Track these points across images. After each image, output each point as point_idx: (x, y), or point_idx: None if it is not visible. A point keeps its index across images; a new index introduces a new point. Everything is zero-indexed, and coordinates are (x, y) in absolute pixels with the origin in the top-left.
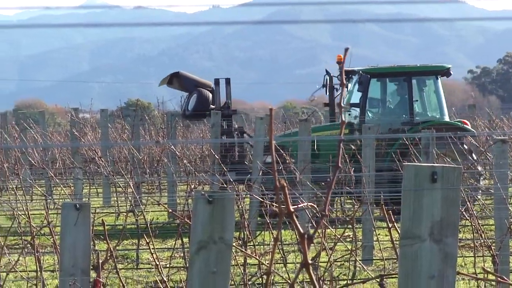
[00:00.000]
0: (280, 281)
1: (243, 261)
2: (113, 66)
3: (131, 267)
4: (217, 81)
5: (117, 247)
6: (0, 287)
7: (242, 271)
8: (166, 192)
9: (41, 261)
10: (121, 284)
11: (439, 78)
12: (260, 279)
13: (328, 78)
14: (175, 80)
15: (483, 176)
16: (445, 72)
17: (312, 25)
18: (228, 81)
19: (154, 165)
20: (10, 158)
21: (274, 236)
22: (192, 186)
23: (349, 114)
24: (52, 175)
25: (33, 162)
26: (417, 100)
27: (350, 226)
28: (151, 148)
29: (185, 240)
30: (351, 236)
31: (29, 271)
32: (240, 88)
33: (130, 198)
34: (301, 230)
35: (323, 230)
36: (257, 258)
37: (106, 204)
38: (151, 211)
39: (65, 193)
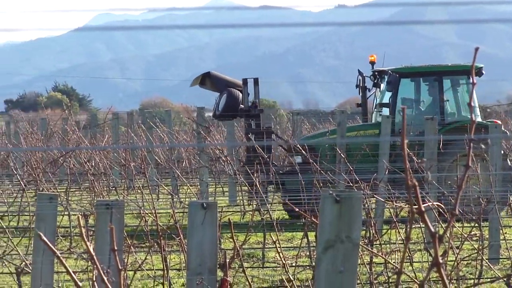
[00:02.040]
0: (406, 280)
1: (369, 260)
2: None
3: (257, 266)
4: (245, 81)
5: (243, 246)
6: (128, 286)
7: (368, 270)
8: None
9: (168, 260)
10: (247, 283)
11: (470, 78)
12: (387, 277)
13: (360, 78)
14: (207, 80)
15: None
16: (477, 72)
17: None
18: (256, 80)
19: (281, 164)
20: (136, 158)
21: (401, 235)
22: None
23: (380, 115)
24: (179, 174)
25: (159, 161)
26: (448, 100)
27: (477, 225)
28: (276, 147)
29: (311, 239)
30: (477, 235)
31: (155, 269)
32: None
33: (256, 196)
34: (432, 230)
35: (450, 229)
36: (383, 257)
37: (232, 203)
38: (277, 210)
39: (191, 192)
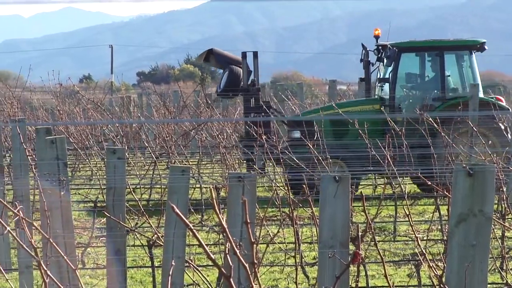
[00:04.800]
0: None
1: (501, 234)
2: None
3: (388, 240)
4: (244, 55)
5: (375, 219)
6: (260, 259)
7: (500, 244)
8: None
9: (299, 233)
10: (378, 256)
11: (473, 53)
12: None
13: (364, 52)
14: (211, 57)
15: None
16: (479, 47)
17: None
18: (255, 54)
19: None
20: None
21: None
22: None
23: (382, 89)
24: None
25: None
26: (449, 75)
27: None
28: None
29: (443, 212)
30: None
31: (287, 243)
32: (497, 59)
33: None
34: None
35: None
36: None
37: (363, 177)
38: (408, 184)
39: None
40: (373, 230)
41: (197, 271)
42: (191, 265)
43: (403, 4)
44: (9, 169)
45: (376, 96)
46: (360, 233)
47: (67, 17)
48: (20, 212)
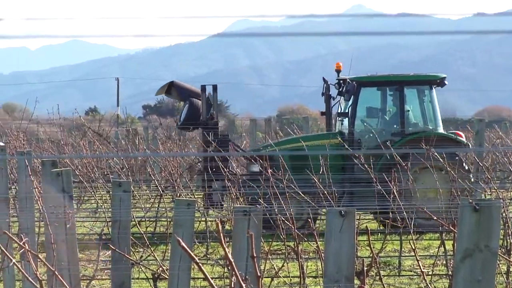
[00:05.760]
0: None
1: (506, 269)
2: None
3: (393, 274)
4: (203, 88)
5: (380, 254)
6: None
7: (505, 280)
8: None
9: (304, 267)
10: None
11: (433, 88)
12: None
13: (325, 86)
14: (173, 89)
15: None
16: (439, 82)
17: None
18: (215, 87)
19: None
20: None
21: None
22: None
23: (342, 124)
24: (316, 181)
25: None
26: (408, 110)
27: None
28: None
29: (447, 247)
30: None
31: (291, 277)
32: (504, 94)
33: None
34: None
35: None
36: None
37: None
38: (415, 218)
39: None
40: (378, 265)
41: None
42: None
43: (408, 39)
44: (15, 201)
45: (336, 130)
46: (365, 268)
47: (73, 50)
48: (26, 244)
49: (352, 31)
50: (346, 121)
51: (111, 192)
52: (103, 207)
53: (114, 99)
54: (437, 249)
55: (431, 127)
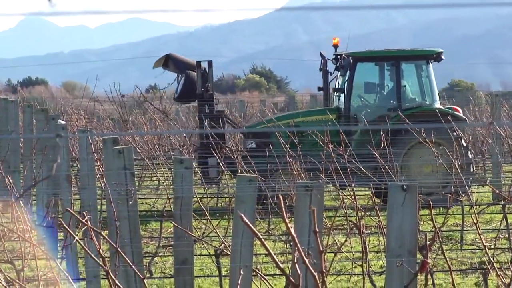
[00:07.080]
0: None
1: None
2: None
3: (455, 248)
4: (198, 64)
5: (442, 228)
6: (327, 268)
7: None
8: (490, 172)
9: (366, 242)
10: (446, 265)
11: (430, 63)
12: None
13: (322, 61)
14: (170, 62)
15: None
16: (436, 57)
17: None
18: (210, 63)
19: (479, 146)
20: None
21: None
22: None
23: (339, 99)
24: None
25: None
26: (405, 86)
27: None
28: (475, 128)
29: (510, 221)
30: None
31: (354, 251)
32: None
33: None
34: None
35: None
36: None
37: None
38: (476, 192)
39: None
40: (440, 239)
41: (264, 280)
42: (258, 274)
43: (469, 13)
44: (77, 179)
45: (334, 106)
46: (427, 242)
47: (133, 28)
48: (88, 221)
49: (412, 4)
50: (342, 96)
51: (172, 169)
52: (164, 184)
53: (173, 77)
54: (499, 223)
55: (428, 102)
